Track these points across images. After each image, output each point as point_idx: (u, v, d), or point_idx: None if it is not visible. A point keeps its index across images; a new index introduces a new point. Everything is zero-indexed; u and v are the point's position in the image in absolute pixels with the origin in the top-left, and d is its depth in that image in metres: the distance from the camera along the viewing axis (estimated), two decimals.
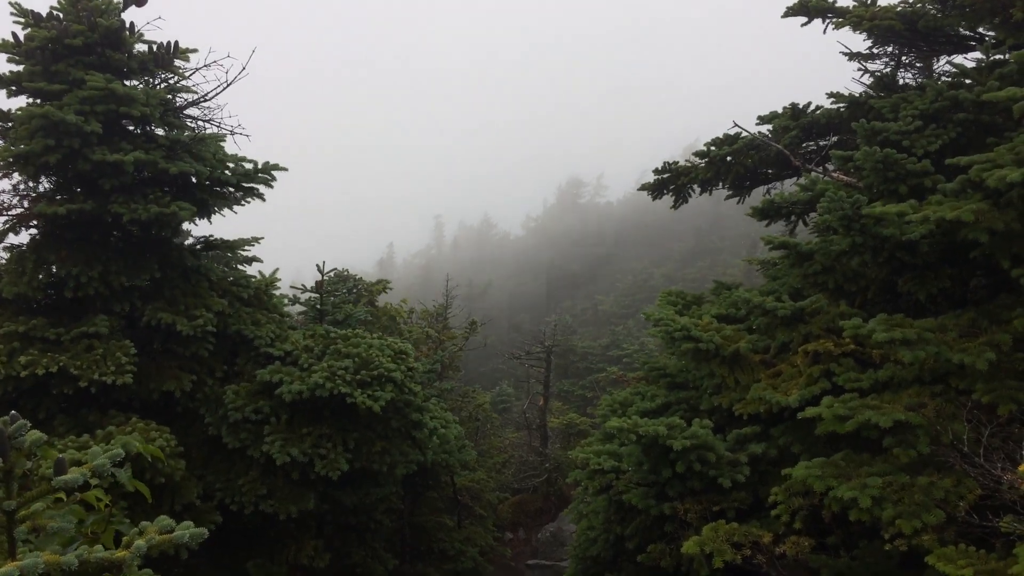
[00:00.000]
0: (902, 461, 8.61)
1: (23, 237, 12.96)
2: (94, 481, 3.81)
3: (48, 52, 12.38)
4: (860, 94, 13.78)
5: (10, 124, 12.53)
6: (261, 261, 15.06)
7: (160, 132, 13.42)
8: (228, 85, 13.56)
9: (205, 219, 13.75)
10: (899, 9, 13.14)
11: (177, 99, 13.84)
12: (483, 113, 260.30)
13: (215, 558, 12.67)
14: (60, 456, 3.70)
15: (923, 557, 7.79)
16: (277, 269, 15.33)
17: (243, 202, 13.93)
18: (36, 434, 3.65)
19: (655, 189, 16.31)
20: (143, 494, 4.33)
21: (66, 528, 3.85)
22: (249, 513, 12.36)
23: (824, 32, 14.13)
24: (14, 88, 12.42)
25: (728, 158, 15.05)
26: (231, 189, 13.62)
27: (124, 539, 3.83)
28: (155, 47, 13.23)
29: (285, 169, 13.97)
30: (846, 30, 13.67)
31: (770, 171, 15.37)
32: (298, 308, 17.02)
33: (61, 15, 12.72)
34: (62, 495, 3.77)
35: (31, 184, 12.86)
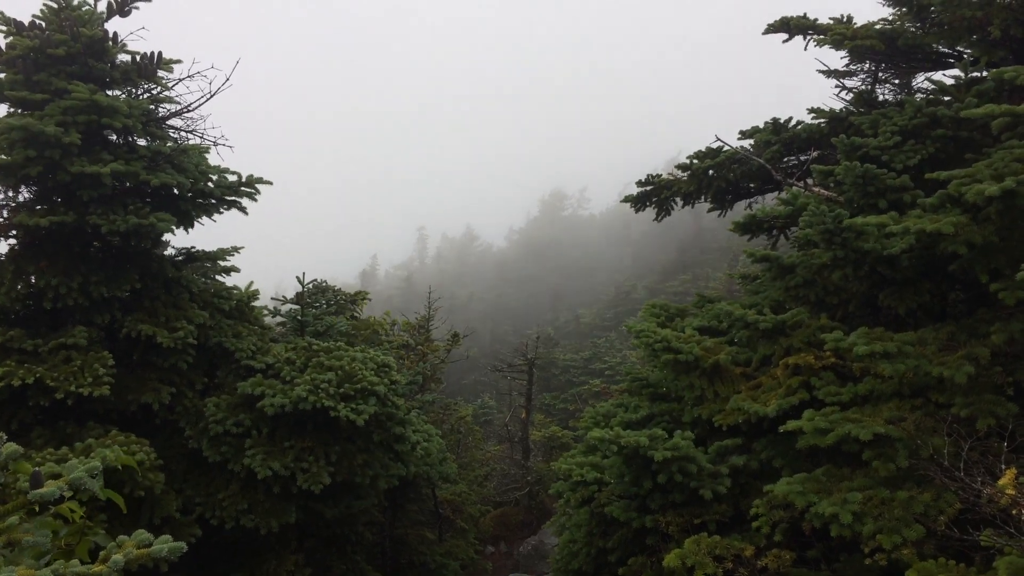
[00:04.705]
0: (882, 475, 8.65)
1: (2, 248, 12.86)
2: (69, 494, 3.76)
3: (30, 61, 12.30)
4: (840, 110, 13.91)
5: None
6: (239, 271, 14.87)
7: (142, 143, 13.34)
8: (211, 96, 13.50)
9: (186, 229, 13.64)
10: (879, 27, 13.28)
11: (160, 109, 13.77)
12: (466, 126, 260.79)
13: (194, 573, 12.52)
14: (36, 469, 3.66)
15: (903, 570, 7.82)
16: (252, 283, 15.11)
17: (221, 210, 13.81)
18: (12, 446, 3.61)
19: (637, 201, 16.38)
20: (121, 507, 4.28)
21: (42, 542, 3.80)
22: (229, 527, 12.23)
23: (805, 49, 14.26)
24: None
25: (710, 171, 15.12)
26: (213, 201, 13.54)
27: (101, 553, 3.78)
28: (138, 57, 13.17)
29: (270, 183, 13.85)
30: (826, 47, 13.81)
31: (752, 185, 15.46)
32: (279, 320, 16.90)
33: (44, 24, 12.64)
34: (36, 508, 3.72)
35: (10, 194, 12.76)
